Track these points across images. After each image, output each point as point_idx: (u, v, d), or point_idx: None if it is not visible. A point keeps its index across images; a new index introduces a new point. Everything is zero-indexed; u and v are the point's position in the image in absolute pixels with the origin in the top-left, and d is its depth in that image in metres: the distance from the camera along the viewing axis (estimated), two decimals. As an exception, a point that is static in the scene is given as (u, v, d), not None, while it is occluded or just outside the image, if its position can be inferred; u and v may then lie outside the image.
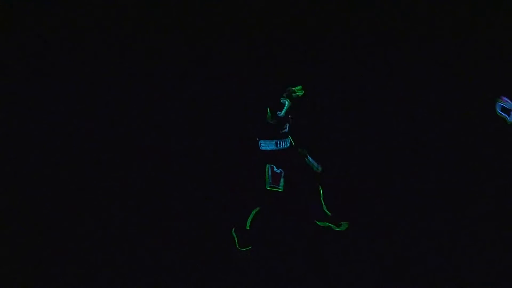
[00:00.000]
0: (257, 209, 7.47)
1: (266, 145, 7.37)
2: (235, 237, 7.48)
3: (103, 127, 9.73)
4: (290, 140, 7.46)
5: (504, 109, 7.15)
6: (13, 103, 9.67)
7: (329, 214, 7.51)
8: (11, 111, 9.67)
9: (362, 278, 6.71)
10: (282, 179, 7.36)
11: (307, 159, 7.52)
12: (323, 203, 7.47)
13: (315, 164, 7.56)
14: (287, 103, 7.16)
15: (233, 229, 7.52)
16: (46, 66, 9.72)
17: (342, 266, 6.97)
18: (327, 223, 7.52)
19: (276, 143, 7.37)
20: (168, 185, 9.19)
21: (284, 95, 7.18)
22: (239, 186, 8.44)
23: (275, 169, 7.39)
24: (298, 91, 7.21)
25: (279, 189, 7.37)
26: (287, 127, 7.37)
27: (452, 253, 7.09)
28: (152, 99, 9.85)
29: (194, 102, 9.87)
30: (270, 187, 7.37)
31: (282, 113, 7.15)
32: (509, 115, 7.15)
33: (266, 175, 7.41)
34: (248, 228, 7.47)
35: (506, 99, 7.18)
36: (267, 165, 7.38)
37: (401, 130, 9.77)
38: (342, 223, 7.56)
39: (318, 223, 7.51)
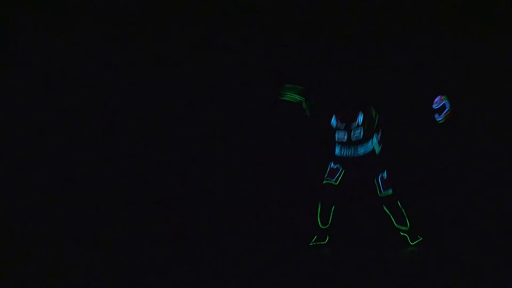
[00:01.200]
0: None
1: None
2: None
3: (103, 127, 9.74)
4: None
5: (438, 109, 7.17)
6: (13, 104, 9.70)
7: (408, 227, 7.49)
8: (11, 111, 9.69)
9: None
10: (338, 174, 7.48)
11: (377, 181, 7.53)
12: (404, 212, 7.47)
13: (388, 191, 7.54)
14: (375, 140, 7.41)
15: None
16: (45, 66, 9.75)
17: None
18: (405, 234, 7.49)
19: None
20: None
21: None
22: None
23: (332, 165, 7.51)
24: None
25: (334, 182, 7.46)
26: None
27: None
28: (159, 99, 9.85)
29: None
30: (326, 180, 7.49)
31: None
32: (439, 115, 7.14)
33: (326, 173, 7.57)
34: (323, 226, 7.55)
35: (438, 99, 7.15)
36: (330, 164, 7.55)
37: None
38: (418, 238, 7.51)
39: (400, 230, 7.49)
